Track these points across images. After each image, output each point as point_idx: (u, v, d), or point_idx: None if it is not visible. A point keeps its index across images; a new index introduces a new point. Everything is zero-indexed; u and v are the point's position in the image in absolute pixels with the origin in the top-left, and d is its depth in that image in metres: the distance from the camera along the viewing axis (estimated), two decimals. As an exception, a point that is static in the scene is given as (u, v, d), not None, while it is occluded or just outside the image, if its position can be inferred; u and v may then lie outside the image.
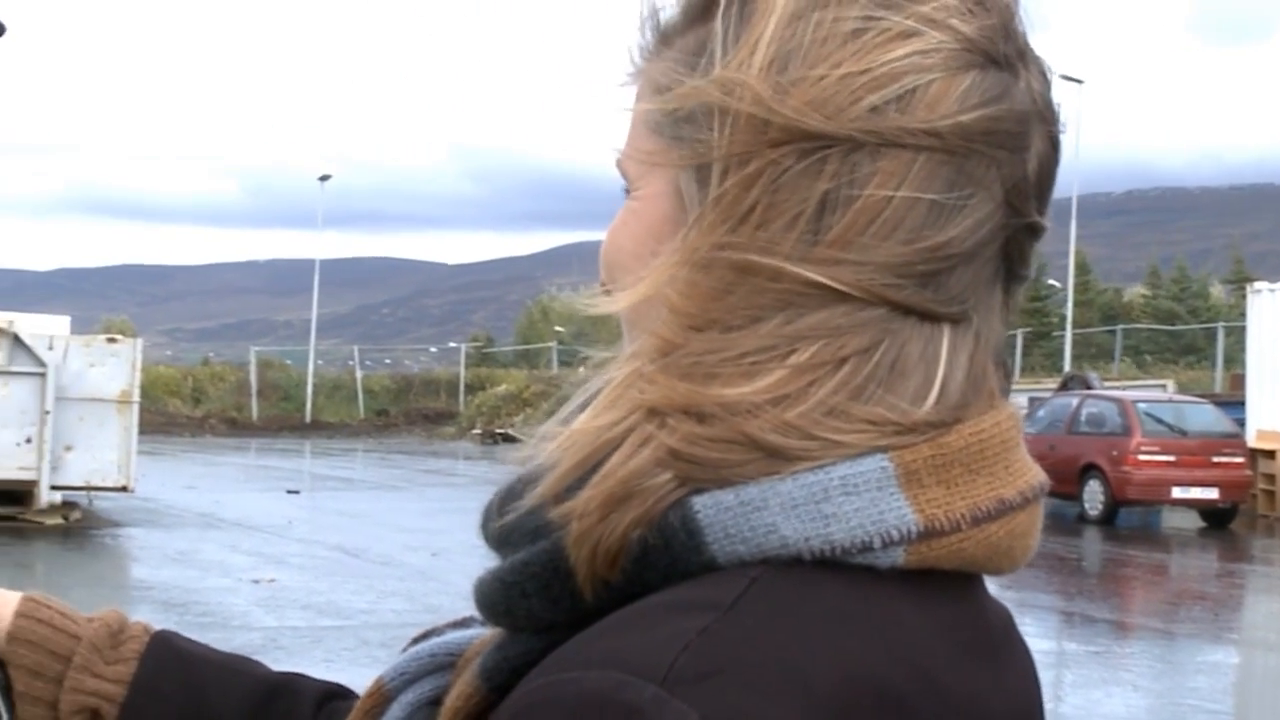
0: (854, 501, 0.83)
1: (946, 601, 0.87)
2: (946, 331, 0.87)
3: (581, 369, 0.92)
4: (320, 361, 50.25)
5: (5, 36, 1.31)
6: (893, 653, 0.82)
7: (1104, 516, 22.21)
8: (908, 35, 0.85)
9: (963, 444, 0.86)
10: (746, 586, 0.81)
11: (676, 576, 0.83)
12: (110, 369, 17.80)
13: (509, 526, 0.90)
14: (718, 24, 0.88)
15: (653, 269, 0.88)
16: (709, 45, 0.88)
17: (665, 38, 0.91)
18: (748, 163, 0.84)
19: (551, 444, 0.87)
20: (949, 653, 0.86)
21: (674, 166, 0.88)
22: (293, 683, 1.24)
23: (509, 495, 0.92)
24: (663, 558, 0.83)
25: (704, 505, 0.83)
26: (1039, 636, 12.49)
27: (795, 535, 0.82)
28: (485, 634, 0.99)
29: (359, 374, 48.46)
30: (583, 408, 0.88)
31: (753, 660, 0.79)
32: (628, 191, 0.93)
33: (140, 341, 18.86)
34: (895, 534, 0.83)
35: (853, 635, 0.81)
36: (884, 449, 0.84)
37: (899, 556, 0.84)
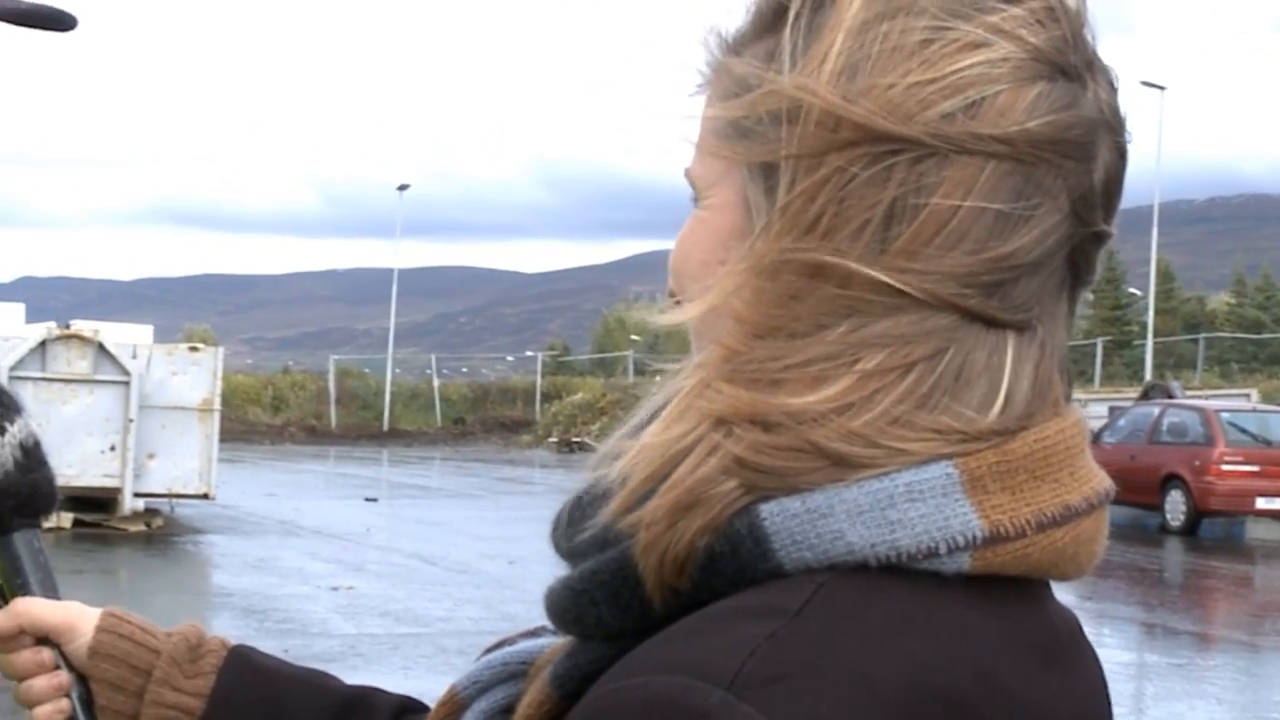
0: (919, 508, 0.83)
1: (1012, 607, 0.87)
2: (1011, 340, 0.87)
3: (656, 378, 0.92)
4: (398, 370, 50.66)
5: (75, 30, 1.32)
6: (958, 658, 0.82)
7: (1186, 527, 21.91)
8: (976, 45, 0.85)
9: (1027, 450, 0.86)
10: (813, 592, 0.82)
11: (744, 583, 0.84)
12: (192, 377, 18.02)
13: (582, 536, 0.91)
14: (786, 35, 0.88)
15: (720, 278, 0.88)
16: (777, 55, 0.88)
17: (734, 49, 0.92)
18: (815, 169, 0.84)
19: (621, 458, 0.88)
20: (1015, 658, 0.86)
21: (740, 162, 0.88)
22: (368, 696, 1.25)
23: (578, 505, 0.93)
24: (730, 565, 0.84)
25: (770, 512, 0.83)
26: (1119, 648, 12.34)
27: (861, 542, 0.83)
28: (557, 642, 1.00)
29: (436, 382, 48.76)
30: (652, 418, 0.89)
31: (819, 666, 0.79)
32: (696, 201, 0.94)
33: (221, 350, 19.08)
34: (961, 540, 0.83)
35: (919, 640, 0.81)
36: (949, 456, 0.84)
37: (964, 562, 0.84)
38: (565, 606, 0.91)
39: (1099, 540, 0.90)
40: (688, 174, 0.94)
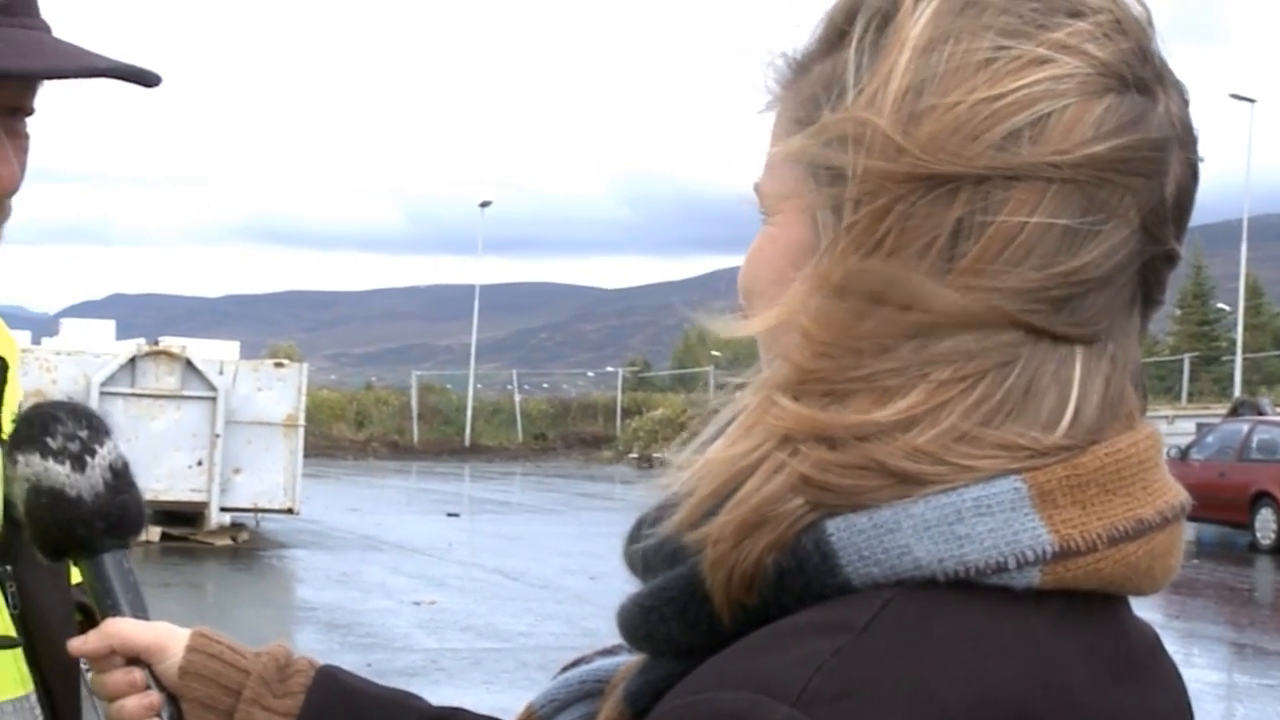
0: (987, 522, 0.83)
1: (1086, 622, 0.86)
2: (1080, 355, 0.86)
3: (723, 392, 0.93)
4: (480, 385, 50.92)
5: (158, 86, 1.37)
6: (1030, 673, 0.81)
7: (1276, 545, 21.53)
8: (1041, 62, 0.84)
9: (1098, 464, 0.85)
10: (880, 608, 0.82)
11: (811, 599, 0.84)
12: (277, 393, 18.23)
13: (648, 552, 0.91)
14: (850, 54, 0.88)
15: (787, 295, 0.88)
16: (842, 76, 0.88)
17: (802, 65, 0.92)
18: (880, 193, 0.84)
19: (687, 472, 0.88)
20: (1089, 673, 0.85)
21: (809, 208, 0.89)
22: (453, 717, 1.26)
23: (648, 522, 0.93)
24: (797, 581, 0.84)
25: (837, 528, 0.83)
26: (1208, 668, 12.15)
27: (929, 557, 0.82)
28: (632, 660, 1.01)
29: (517, 398, 48.97)
30: (718, 434, 0.89)
31: (886, 681, 0.79)
32: (764, 216, 0.94)
33: (306, 366, 19.31)
34: (1030, 554, 0.83)
35: (988, 656, 0.81)
36: (1017, 471, 0.84)
37: (1034, 577, 0.83)
38: (636, 623, 0.91)
39: (1174, 554, 0.89)
40: (756, 189, 0.94)
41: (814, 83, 0.90)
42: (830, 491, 0.83)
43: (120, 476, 1.34)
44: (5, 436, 1.50)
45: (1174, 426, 27.38)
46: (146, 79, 1.36)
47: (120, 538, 1.34)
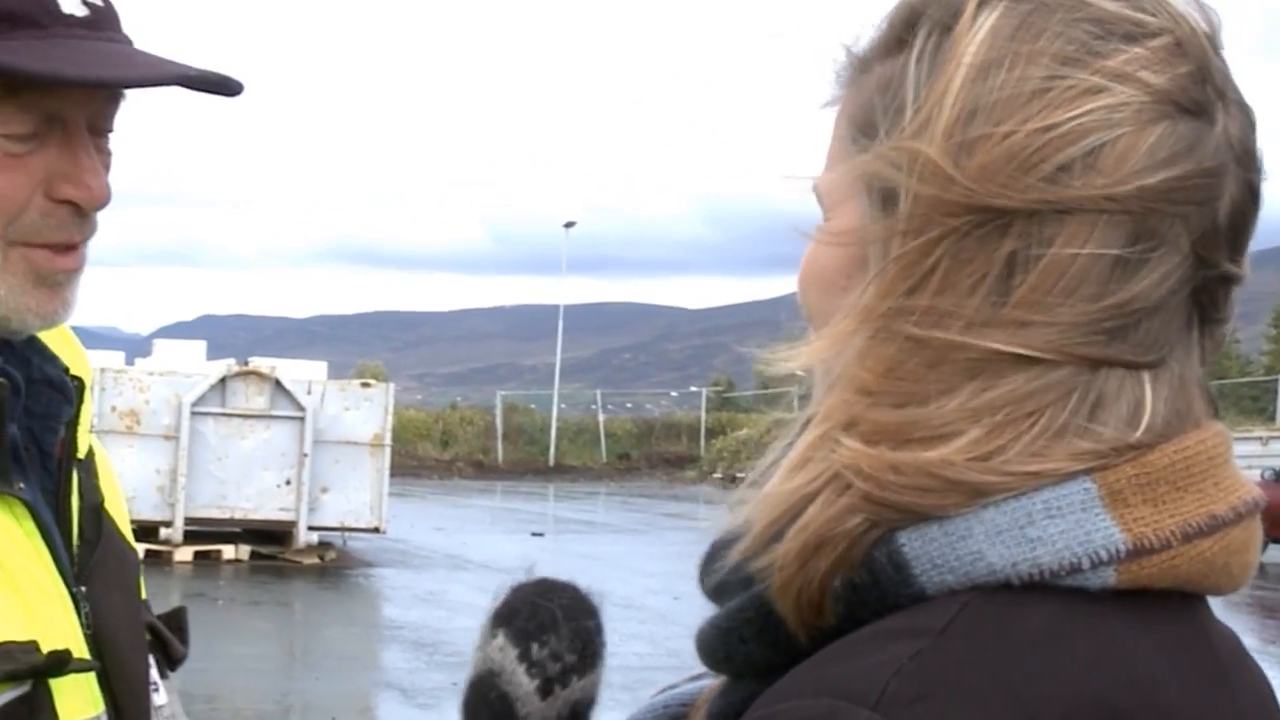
0: (1059, 524, 0.83)
1: (1164, 621, 0.85)
2: (1146, 378, 0.86)
3: (775, 422, 0.93)
4: (564, 405, 51.03)
5: (241, 94, 1.38)
6: (1111, 672, 0.81)
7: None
8: (1095, 91, 0.83)
9: (1168, 462, 0.85)
10: (957, 612, 0.82)
11: (887, 611, 0.84)
12: (364, 413, 18.37)
13: (722, 576, 0.92)
14: (910, 65, 0.88)
15: (835, 325, 0.88)
16: (901, 87, 0.88)
17: (863, 63, 0.92)
18: (931, 224, 0.84)
19: (748, 506, 0.89)
20: (1170, 672, 0.84)
21: (860, 235, 0.89)
22: None
23: (721, 548, 0.94)
24: (872, 594, 0.84)
25: (909, 539, 0.84)
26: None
27: (1002, 561, 0.82)
28: (714, 683, 1.01)
29: (601, 418, 49.04)
30: (776, 466, 0.90)
31: (965, 683, 0.79)
32: (823, 213, 0.94)
33: (392, 386, 19.43)
34: (1104, 554, 0.83)
35: (1067, 656, 0.81)
36: (1085, 473, 0.83)
37: (1110, 576, 0.83)
38: (715, 646, 0.92)
39: (1251, 550, 0.88)
40: (815, 187, 0.94)
41: (873, 85, 0.90)
42: (893, 509, 0.84)
43: (578, 718, 1.21)
44: (83, 457, 1.53)
45: (1268, 448, 26.90)
46: (231, 87, 1.37)
47: None
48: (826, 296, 0.91)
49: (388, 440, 18.61)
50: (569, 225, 54.79)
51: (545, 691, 1.19)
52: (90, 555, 1.47)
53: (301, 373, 18.78)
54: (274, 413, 17.91)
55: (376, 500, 18.40)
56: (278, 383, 17.94)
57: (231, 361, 18.57)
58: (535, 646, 1.20)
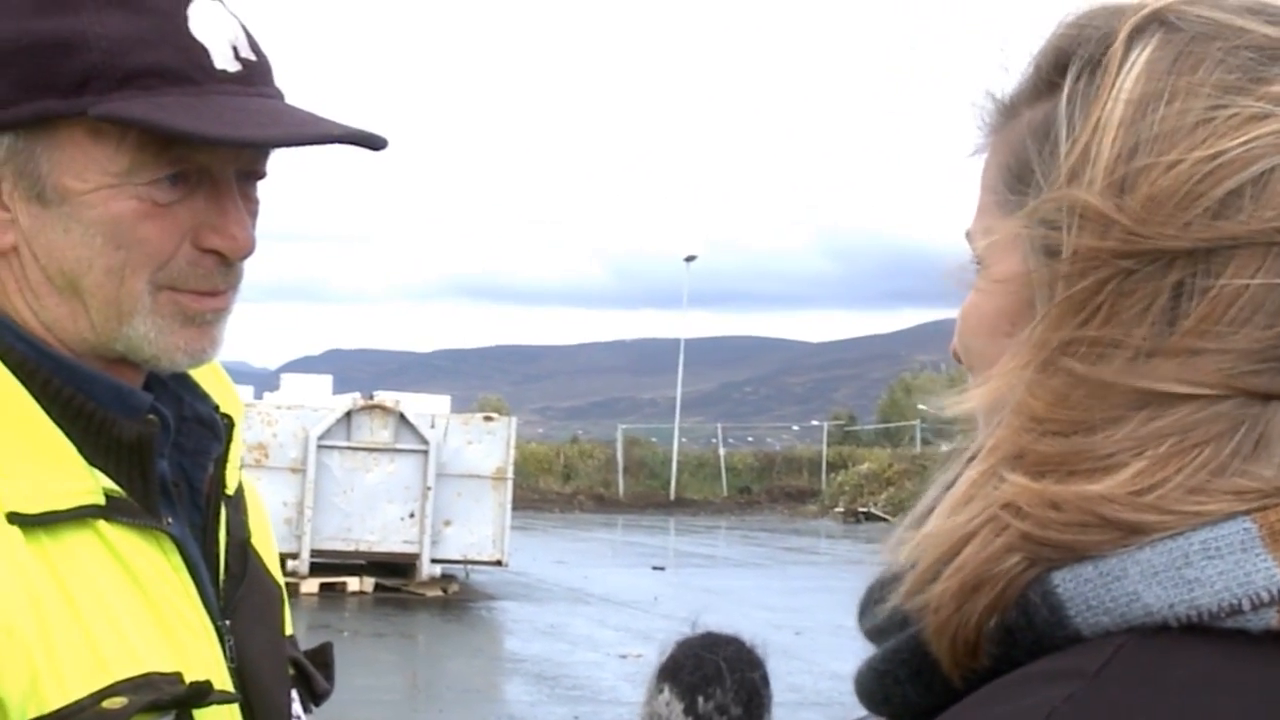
0: (1217, 565, 0.81)
1: None
2: None
3: (941, 455, 0.93)
4: (684, 439, 51.03)
5: (385, 149, 1.41)
6: (1269, 717, 0.79)
7: None
8: (1261, 118, 0.82)
9: None
10: (1112, 654, 0.80)
11: (1042, 652, 0.83)
12: (486, 446, 18.50)
13: (880, 617, 0.91)
14: (1062, 107, 0.87)
15: (1002, 364, 0.87)
16: (1054, 129, 0.87)
17: (1010, 109, 0.91)
18: (1096, 266, 0.83)
19: (910, 544, 0.88)
20: None
21: (1022, 275, 0.88)
22: None
23: (879, 588, 0.93)
24: (1027, 635, 0.83)
25: (1063, 580, 0.82)
26: None
27: (1159, 602, 0.81)
28: None
29: (722, 451, 48.96)
30: (939, 502, 0.89)
31: None
32: (977, 264, 0.93)
33: (514, 420, 19.53)
34: (1265, 595, 0.80)
35: (1224, 699, 0.79)
36: (1245, 513, 0.82)
37: (1272, 618, 0.81)
38: (872, 688, 0.91)
39: None
40: (968, 236, 0.94)
41: (1023, 130, 0.89)
42: (1050, 547, 0.83)
43: None
44: (232, 493, 1.56)
45: None
46: (375, 143, 1.40)
47: None
48: (990, 342, 0.91)
49: (510, 474, 18.71)
50: (690, 259, 54.87)
51: None
52: (235, 590, 1.50)
53: (425, 406, 18.96)
54: (398, 446, 18.10)
55: (499, 533, 18.50)
56: (402, 416, 18.13)
57: (357, 395, 18.79)
58: (701, 700, 1.19)
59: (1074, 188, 0.84)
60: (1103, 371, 0.83)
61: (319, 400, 18.63)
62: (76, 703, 1.27)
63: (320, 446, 17.73)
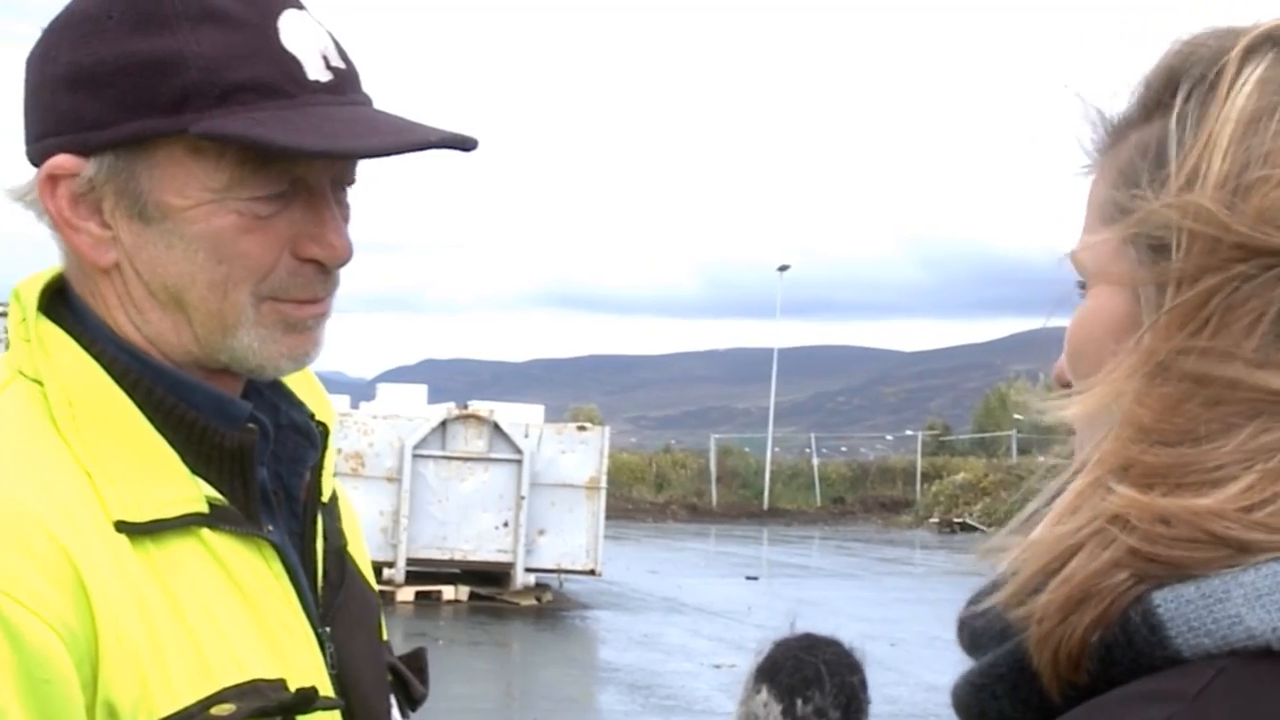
0: None
1: None
2: None
3: (1041, 465, 0.92)
4: (778, 449, 50.87)
5: (475, 150, 1.42)
6: None
7: None
8: None
9: None
10: (1212, 678, 0.80)
11: (1142, 673, 0.82)
12: (580, 456, 18.56)
13: (978, 630, 0.91)
14: (1172, 124, 0.86)
15: (1107, 375, 0.87)
16: (1164, 147, 0.86)
17: (1119, 130, 0.91)
18: (1205, 275, 0.83)
19: (1014, 551, 0.87)
20: None
21: (1131, 284, 0.87)
22: None
23: (978, 600, 0.93)
24: (1126, 654, 0.82)
25: (1164, 600, 0.82)
26: None
27: (1262, 626, 0.80)
28: None
29: (815, 461, 48.75)
30: (1042, 512, 0.88)
31: None
32: (1083, 285, 0.93)
33: (607, 429, 19.59)
34: None
35: None
36: None
37: None
38: (969, 701, 0.91)
39: None
40: (1074, 257, 0.93)
41: (1132, 150, 0.89)
42: (1159, 563, 0.82)
43: None
44: (327, 501, 1.58)
45: None
46: (468, 145, 1.40)
47: None
48: (1099, 357, 0.91)
49: (603, 483, 18.75)
50: (783, 269, 54.72)
51: None
52: (334, 597, 1.51)
53: (519, 416, 19.04)
54: (492, 455, 18.21)
55: (592, 542, 18.54)
56: (496, 426, 18.25)
57: (451, 405, 18.95)
58: (800, 702, 1.20)
59: (1186, 195, 0.84)
60: (1213, 382, 0.82)
61: (414, 410, 18.78)
62: (185, 710, 1.29)
63: (415, 456, 17.88)
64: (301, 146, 1.33)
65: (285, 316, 1.41)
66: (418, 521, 18.01)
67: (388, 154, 1.38)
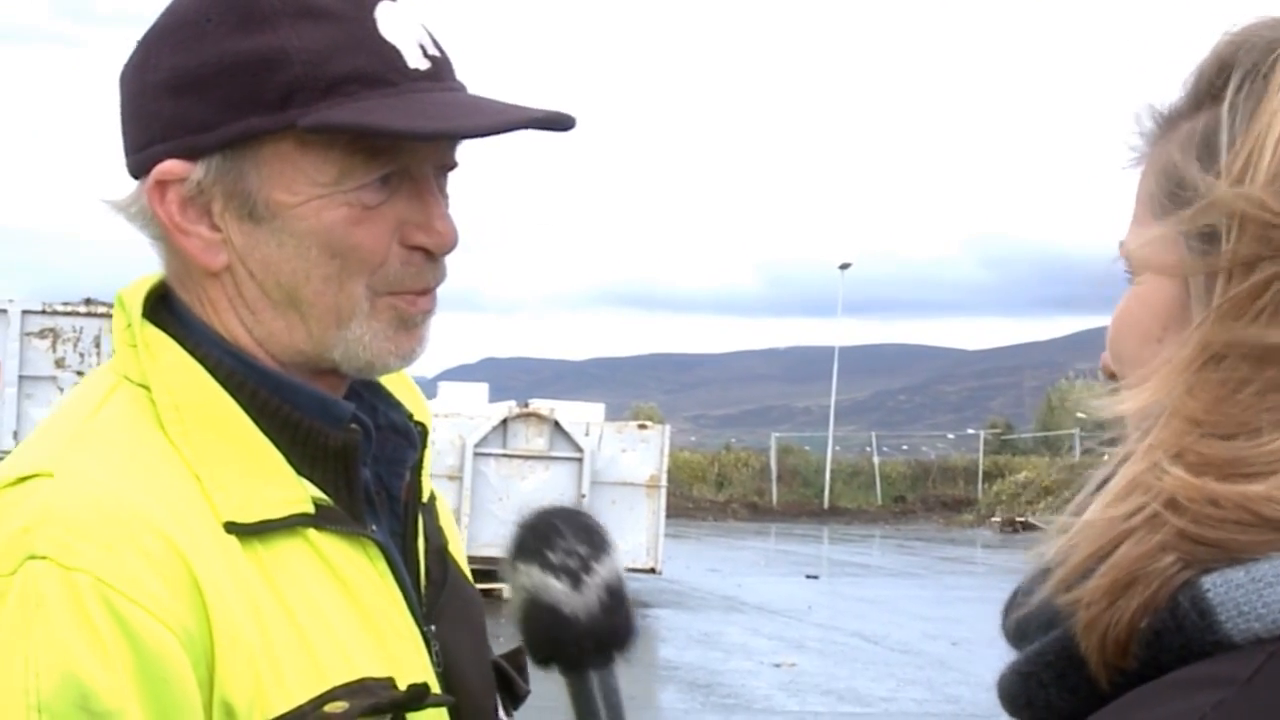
0: None
1: None
2: None
3: (1098, 457, 0.92)
4: (838, 447, 50.68)
5: (574, 128, 1.41)
6: None
7: None
8: None
9: None
10: (1264, 662, 0.80)
11: (1191, 658, 0.82)
12: (640, 454, 18.57)
13: (1024, 618, 0.91)
14: (1224, 113, 0.86)
15: (1159, 364, 0.87)
16: (1215, 136, 0.86)
17: (1169, 121, 0.91)
18: (1257, 264, 0.83)
19: (1064, 536, 0.87)
20: None
21: (1182, 273, 0.87)
22: None
23: (1024, 590, 0.93)
24: (1175, 639, 0.82)
25: (1214, 584, 0.82)
26: None
27: None
28: None
29: (876, 460, 48.55)
30: (1095, 495, 0.88)
31: None
32: (1131, 276, 0.93)
33: (668, 428, 19.60)
34: None
35: None
36: None
37: None
38: (1016, 691, 0.91)
39: None
40: (1123, 249, 0.93)
41: (1183, 139, 0.89)
42: (1206, 545, 0.82)
43: (615, 596, 1.37)
44: (426, 501, 1.59)
45: None
46: (567, 124, 1.40)
47: (608, 656, 1.38)
48: (1143, 345, 0.91)
49: (663, 481, 18.75)
50: (844, 267, 54.54)
51: (576, 584, 1.32)
52: (438, 595, 1.53)
53: (580, 415, 19.08)
54: (553, 454, 18.25)
55: (652, 541, 18.55)
56: (557, 424, 18.29)
57: (512, 403, 18.98)
58: (550, 554, 1.32)
59: (1238, 186, 0.84)
60: (1266, 373, 0.82)
61: (475, 408, 18.86)
62: (299, 709, 1.30)
63: (477, 454, 17.96)
64: (415, 129, 1.34)
65: (400, 312, 1.42)
66: (479, 519, 18.07)
67: (496, 132, 1.38)
